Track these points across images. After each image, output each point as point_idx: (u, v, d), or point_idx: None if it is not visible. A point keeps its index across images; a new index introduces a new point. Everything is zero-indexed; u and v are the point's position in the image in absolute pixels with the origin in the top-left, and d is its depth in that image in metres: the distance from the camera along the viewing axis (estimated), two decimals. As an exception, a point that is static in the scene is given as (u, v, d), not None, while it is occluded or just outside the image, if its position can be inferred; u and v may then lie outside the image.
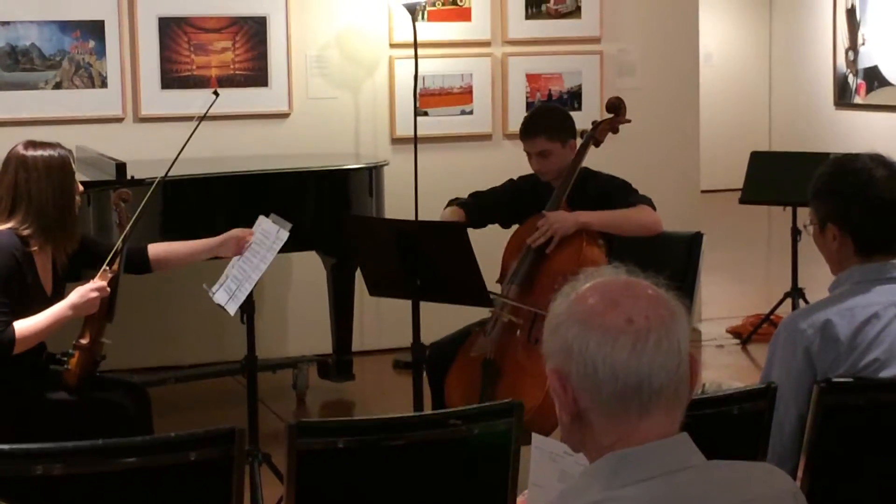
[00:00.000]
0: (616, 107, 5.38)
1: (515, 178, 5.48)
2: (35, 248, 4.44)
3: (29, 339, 4.38)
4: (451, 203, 5.36)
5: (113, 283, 4.51)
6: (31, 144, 4.51)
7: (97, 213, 5.52)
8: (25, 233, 4.42)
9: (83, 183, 4.74)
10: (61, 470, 2.86)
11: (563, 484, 2.68)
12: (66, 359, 4.52)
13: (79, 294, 4.45)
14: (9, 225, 4.43)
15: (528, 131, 5.26)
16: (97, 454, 2.95)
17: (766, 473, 2.06)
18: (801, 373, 3.29)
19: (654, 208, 5.12)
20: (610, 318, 1.94)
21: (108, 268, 4.50)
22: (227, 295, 4.81)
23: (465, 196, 5.42)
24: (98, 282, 4.47)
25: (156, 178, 4.94)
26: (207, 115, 4.86)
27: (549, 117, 5.40)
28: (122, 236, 4.57)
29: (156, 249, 4.81)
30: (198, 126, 4.81)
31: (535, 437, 2.89)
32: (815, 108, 13.27)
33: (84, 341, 4.52)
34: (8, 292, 4.36)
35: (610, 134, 5.38)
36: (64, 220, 4.48)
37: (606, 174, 5.30)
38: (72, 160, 4.55)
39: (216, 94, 4.93)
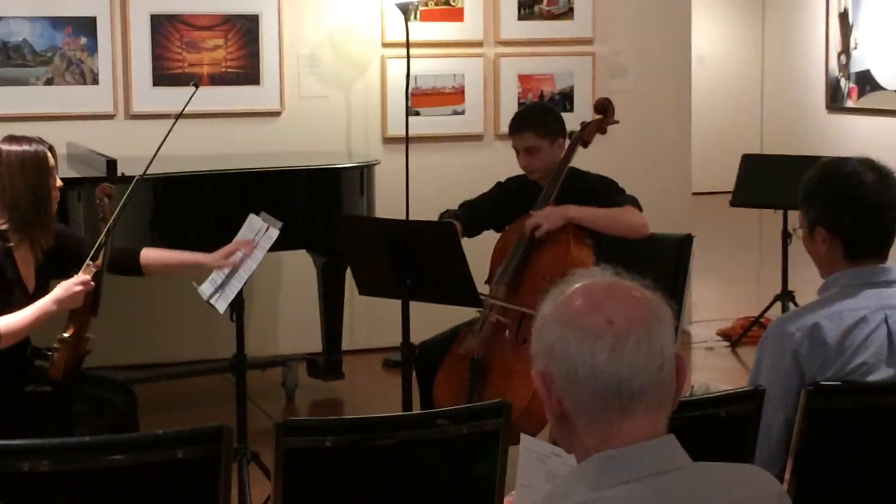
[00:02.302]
0: (604, 108, 5.41)
1: (503, 180, 5.48)
2: (13, 243, 4.44)
3: (13, 334, 4.37)
4: (442, 216, 5.36)
5: (97, 277, 4.50)
6: (9, 139, 4.51)
7: (87, 210, 5.51)
8: (3, 227, 4.42)
9: (73, 180, 4.74)
10: (48, 466, 2.86)
11: (551, 485, 2.68)
12: (50, 353, 4.52)
13: (63, 288, 4.44)
14: None
15: (517, 127, 5.28)
16: (84, 451, 2.94)
17: (752, 475, 2.06)
18: (789, 376, 3.30)
19: (641, 209, 5.14)
20: (591, 320, 1.94)
21: (91, 262, 4.50)
22: (213, 287, 4.80)
23: (455, 206, 5.42)
24: (82, 276, 4.46)
25: (147, 174, 4.93)
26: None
27: (538, 114, 5.43)
28: (105, 231, 4.56)
29: (148, 255, 4.81)
30: (177, 120, 4.80)
31: (524, 438, 2.89)
32: (807, 112, 13.27)
33: (68, 336, 4.52)
34: (-12, 289, 4.35)
35: (598, 135, 5.39)
36: (38, 214, 4.47)
37: (594, 174, 5.32)
38: (50, 156, 4.53)
39: (196, 86, 4.92)
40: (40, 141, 4.54)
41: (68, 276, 4.51)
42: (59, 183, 4.58)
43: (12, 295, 4.41)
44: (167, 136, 4.77)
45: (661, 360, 1.95)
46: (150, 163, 4.80)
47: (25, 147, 4.48)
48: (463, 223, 5.24)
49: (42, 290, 4.50)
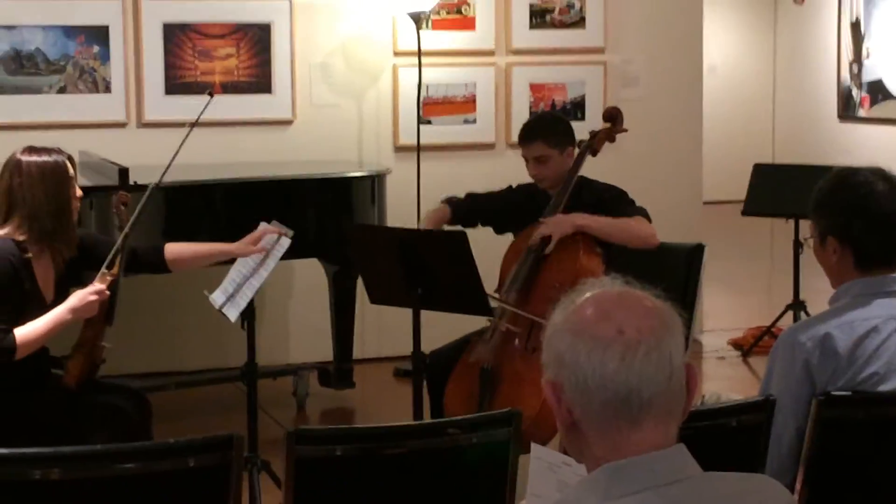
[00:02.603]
0: (612, 116, 5.43)
1: (514, 185, 5.51)
2: (32, 254, 4.44)
3: (29, 344, 4.38)
4: (443, 201, 5.43)
5: (112, 286, 4.51)
6: (29, 150, 4.51)
7: (100, 218, 5.53)
8: (21, 238, 4.42)
9: (85, 188, 4.74)
10: (59, 475, 2.87)
11: (561, 494, 2.68)
12: (65, 362, 4.53)
13: (77, 297, 4.45)
14: (4, 230, 4.43)
15: (527, 136, 5.30)
16: (96, 459, 2.96)
17: (763, 485, 2.06)
18: (800, 385, 3.29)
19: (650, 220, 5.14)
20: (601, 329, 1.95)
21: (106, 271, 4.50)
22: (224, 295, 4.81)
23: (461, 196, 5.47)
24: (97, 285, 4.47)
25: (159, 183, 4.94)
26: (209, 119, 4.86)
27: (547, 124, 5.47)
28: (121, 239, 4.57)
29: (172, 249, 4.81)
30: (192, 129, 4.79)
31: (534, 447, 2.89)
32: (819, 121, 13.27)
33: (83, 345, 4.53)
34: (5, 299, 4.36)
35: (608, 143, 5.41)
36: (59, 225, 4.47)
37: (603, 183, 5.33)
38: (70, 166, 4.53)
39: (211, 94, 4.92)
40: (59, 151, 4.54)
41: (84, 283, 4.52)
42: (79, 193, 4.59)
43: (28, 307, 4.41)
44: (182, 144, 4.76)
45: (671, 369, 1.95)
46: (166, 171, 4.80)
47: (45, 158, 4.49)
48: (456, 211, 5.30)
49: (61, 300, 4.50)
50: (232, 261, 4.89)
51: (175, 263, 4.82)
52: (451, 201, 5.44)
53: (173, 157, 4.78)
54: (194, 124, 4.81)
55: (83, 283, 4.59)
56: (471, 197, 5.49)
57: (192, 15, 7.31)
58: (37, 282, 4.47)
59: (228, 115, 7.22)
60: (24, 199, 4.43)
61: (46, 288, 4.51)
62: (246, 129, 7.40)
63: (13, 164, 4.48)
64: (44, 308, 4.44)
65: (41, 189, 4.44)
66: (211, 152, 6.95)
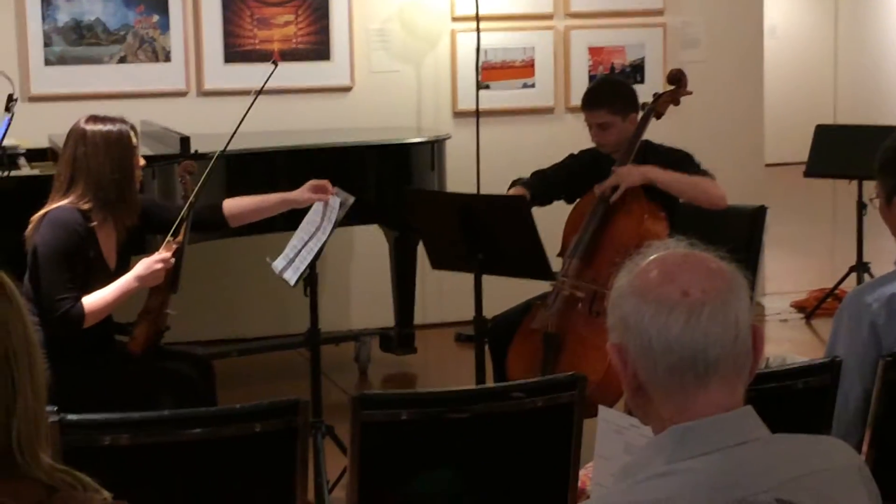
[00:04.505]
0: (677, 79, 5.38)
1: (576, 152, 5.46)
2: (96, 222, 4.48)
3: (97, 312, 4.43)
4: (513, 184, 5.35)
5: (177, 254, 4.54)
6: (93, 119, 4.54)
7: (162, 186, 5.56)
8: (86, 207, 4.45)
9: (148, 157, 4.77)
10: (128, 440, 2.91)
11: (629, 456, 2.69)
12: (131, 329, 4.57)
13: (144, 265, 4.49)
14: (68, 199, 4.46)
15: (590, 103, 5.25)
16: (164, 425, 2.99)
17: (831, 447, 2.05)
18: (867, 347, 3.27)
19: (716, 183, 5.12)
20: (665, 291, 1.94)
21: (172, 238, 4.54)
22: (285, 261, 4.83)
23: (527, 176, 5.41)
24: (163, 253, 4.51)
25: (224, 151, 4.95)
26: (268, 87, 4.85)
27: (611, 90, 5.40)
28: (186, 208, 4.60)
29: (231, 204, 4.82)
30: (256, 97, 4.80)
31: (602, 410, 2.90)
32: (882, 81, 13.13)
33: (149, 312, 4.57)
34: (73, 268, 4.40)
35: (671, 106, 5.37)
36: (122, 194, 4.51)
37: (667, 146, 5.29)
38: (133, 135, 4.56)
39: (275, 63, 4.91)
40: (123, 121, 4.57)
41: (146, 250, 4.56)
42: (142, 162, 4.62)
43: (94, 275, 4.46)
44: (247, 113, 4.78)
45: (737, 330, 1.94)
46: (231, 139, 4.81)
47: (110, 127, 4.52)
48: (533, 192, 5.22)
49: (124, 267, 4.55)
50: (295, 227, 4.90)
51: (235, 218, 4.82)
52: (522, 183, 5.37)
53: (237, 126, 4.79)
54: (259, 92, 4.81)
55: (145, 251, 4.63)
56: (538, 175, 5.38)
57: (251, -17, 7.32)
58: (101, 250, 4.52)
59: (287, 83, 7.22)
60: (89, 167, 4.46)
61: (110, 256, 4.55)
62: (305, 96, 7.41)
63: (78, 133, 4.51)
64: (109, 275, 4.49)
65: (106, 158, 4.47)
66: (270, 120, 6.96)
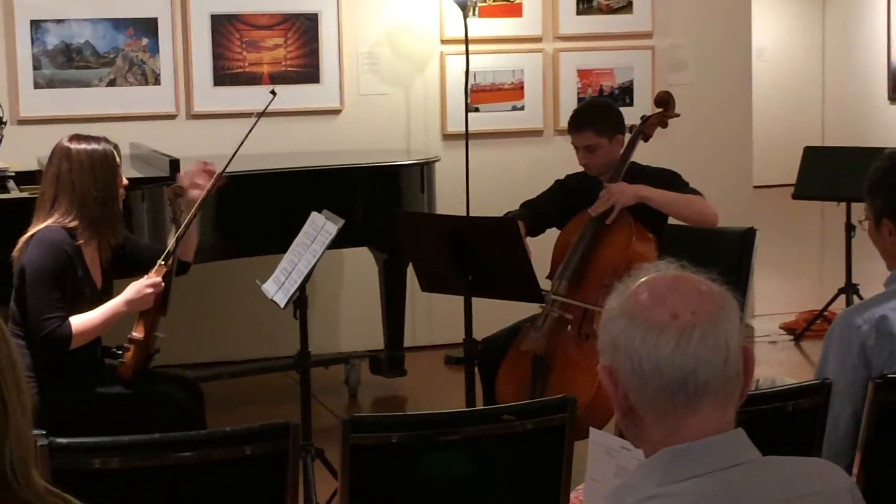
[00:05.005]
0: (665, 101, 5.39)
1: (563, 177, 5.46)
2: (82, 241, 4.48)
3: (85, 334, 4.42)
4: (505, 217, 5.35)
5: (167, 277, 4.54)
6: (77, 138, 4.56)
7: (151, 209, 5.56)
8: (71, 225, 4.45)
9: (137, 179, 4.77)
10: (118, 463, 2.90)
11: (620, 479, 2.68)
12: (120, 353, 4.56)
13: (134, 290, 4.49)
14: (53, 218, 4.46)
15: (576, 125, 5.27)
16: (154, 448, 2.98)
17: (822, 469, 2.05)
18: (856, 368, 3.27)
19: (704, 202, 5.13)
20: (655, 314, 1.94)
21: (163, 263, 4.54)
22: (276, 286, 4.84)
23: (515, 205, 5.40)
24: (153, 277, 4.51)
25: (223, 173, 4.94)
26: (254, 110, 4.86)
27: (597, 112, 5.40)
28: (177, 232, 4.60)
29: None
30: (255, 124, 4.82)
31: (593, 432, 2.89)
32: (869, 103, 13.17)
33: (138, 335, 4.56)
34: (62, 288, 4.40)
35: (659, 129, 5.38)
36: (106, 212, 4.51)
37: (654, 167, 5.30)
38: (117, 155, 4.57)
39: (273, 93, 4.92)
40: (106, 140, 4.59)
41: (133, 277, 4.56)
42: (124, 181, 4.63)
43: (82, 293, 4.45)
44: (246, 137, 4.79)
45: (727, 353, 1.95)
46: (228, 163, 4.81)
47: (94, 146, 4.53)
48: (526, 223, 5.21)
49: (108, 287, 4.55)
50: (285, 249, 4.90)
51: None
52: (513, 216, 5.33)
53: (236, 151, 4.78)
54: (260, 114, 4.83)
55: (127, 277, 4.62)
56: (528, 206, 5.37)
57: (240, 6, 7.33)
58: (88, 268, 4.51)
59: (277, 106, 7.15)
60: (74, 185, 4.47)
61: (96, 274, 4.56)
62: (294, 118, 7.42)
63: (62, 151, 4.52)
64: (96, 294, 4.49)
65: (90, 176, 4.48)
66: (260, 142, 6.92)
